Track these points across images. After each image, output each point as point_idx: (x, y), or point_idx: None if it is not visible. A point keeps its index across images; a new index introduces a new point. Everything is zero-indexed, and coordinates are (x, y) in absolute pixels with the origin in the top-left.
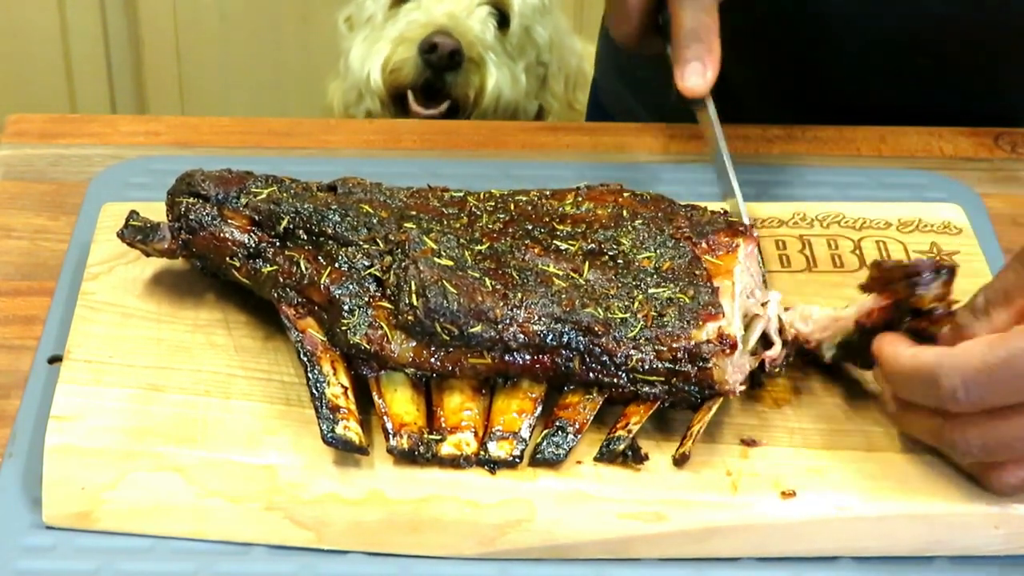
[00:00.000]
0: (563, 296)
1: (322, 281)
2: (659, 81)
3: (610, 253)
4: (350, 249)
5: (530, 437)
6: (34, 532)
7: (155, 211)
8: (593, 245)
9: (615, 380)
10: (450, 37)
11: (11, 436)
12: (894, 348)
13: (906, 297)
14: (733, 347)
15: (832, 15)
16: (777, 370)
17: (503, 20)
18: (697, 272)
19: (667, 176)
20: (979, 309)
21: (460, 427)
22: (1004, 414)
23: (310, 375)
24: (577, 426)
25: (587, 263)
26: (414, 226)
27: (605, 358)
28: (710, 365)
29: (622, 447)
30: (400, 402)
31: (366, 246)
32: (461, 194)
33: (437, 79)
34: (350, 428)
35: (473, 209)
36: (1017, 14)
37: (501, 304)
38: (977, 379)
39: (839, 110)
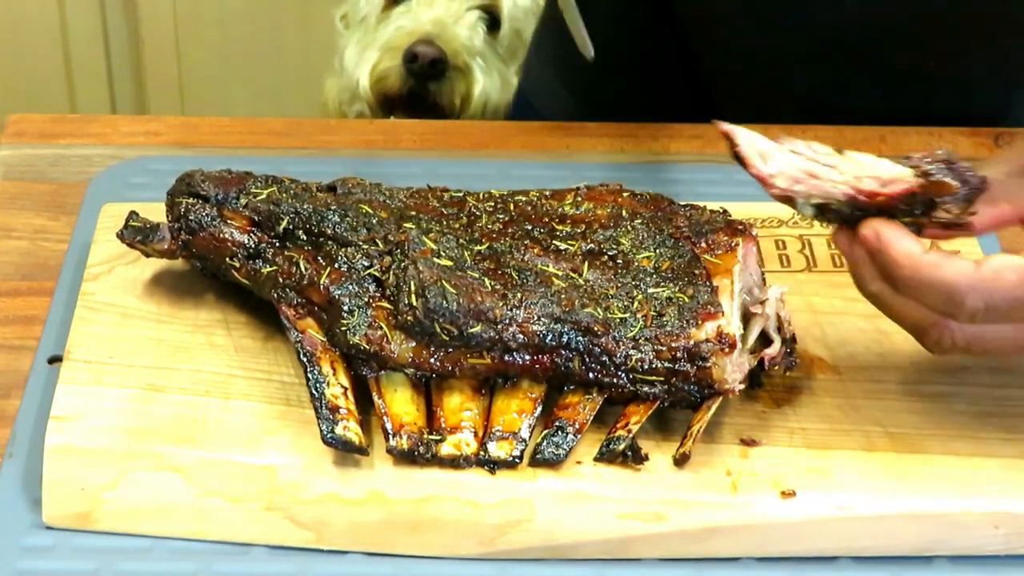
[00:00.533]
0: (563, 296)
1: (322, 281)
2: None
3: (609, 253)
4: (350, 249)
5: (530, 437)
6: (34, 532)
7: (155, 211)
8: (592, 245)
9: (615, 380)
10: (432, 46)
11: (11, 436)
12: (910, 250)
13: (936, 195)
14: (732, 346)
15: (784, 14)
16: (777, 368)
17: (494, 22)
18: (696, 271)
19: (667, 176)
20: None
21: (460, 427)
22: (999, 322)
23: (310, 375)
24: (577, 426)
25: (586, 263)
26: (414, 226)
27: (605, 358)
28: (709, 364)
29: (622, 447)
30: (400, 402)
31: (366, 246)
32: (461, 194)
33: (421, 87)
34: (350, 428)
35: (473, 209)
36: (976, 4)
37: (500, 304)
38: (1001, 305)
39: (801, 111)
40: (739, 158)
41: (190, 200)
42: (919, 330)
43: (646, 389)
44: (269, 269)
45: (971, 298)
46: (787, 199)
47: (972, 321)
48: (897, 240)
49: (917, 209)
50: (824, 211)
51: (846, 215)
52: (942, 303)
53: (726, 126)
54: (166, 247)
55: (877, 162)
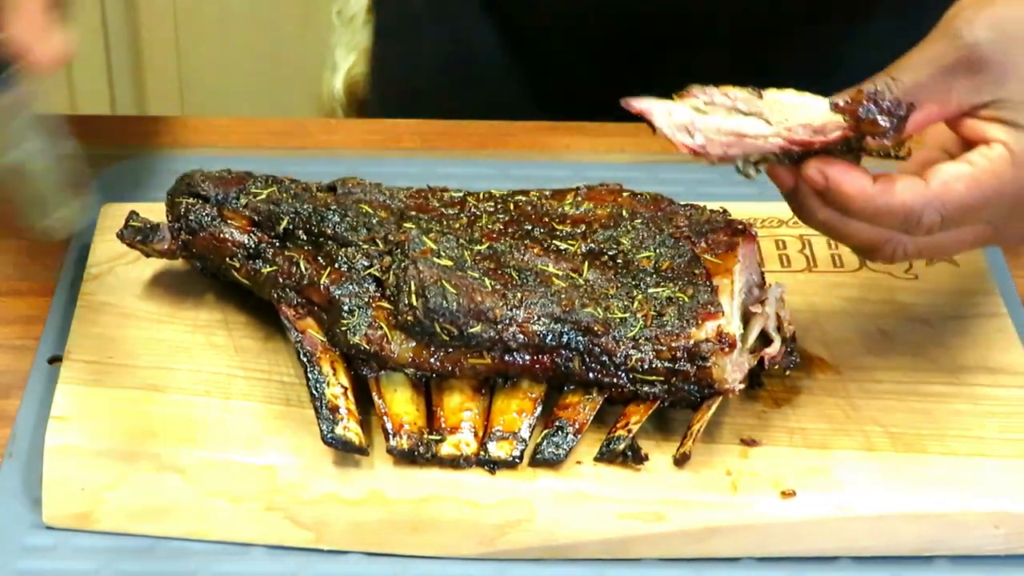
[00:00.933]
0: (563, 296)
1: (322, 281)
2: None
3: (609, 253)
4: (350, 249)
5: (530, 437)
6: (34, 532)
7: (155, 211)
8: (593, 245)
9: (615, 380)
10: None
11: (11, 436)
12: (860, 184)
13: (867, 129)
14: (732, 346)
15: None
16: (777, 367)
17: None
18: (696, 271)
19: (667, 176)
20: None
21: (460, 427)
22: (951, 229)
23: (310, 375)
24: (577, 426)
25: (587, 263)
26: (414, 226)
27: (605, 358)
28: (709, 364)
29: (622, 447)
30: (400, 402)
31: (366, 246)
32: (461, 194)
33: None
34: (350, 428)
35: (473, 209)
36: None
37: (501, 304)
38: (955, 215)
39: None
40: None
41: (190, 200)
42: (871, 248)
43: (646, 389)
44: (269, 269)
45: (927, 214)
46: (728, 163)
47: (928, 234)
48: (844, 176)
49: (853, 146)
50: (764, 162)
51: (785, 163)
52: (899, 224)
53: (640, 105)
54: (166, 247)
55: (801, 101)
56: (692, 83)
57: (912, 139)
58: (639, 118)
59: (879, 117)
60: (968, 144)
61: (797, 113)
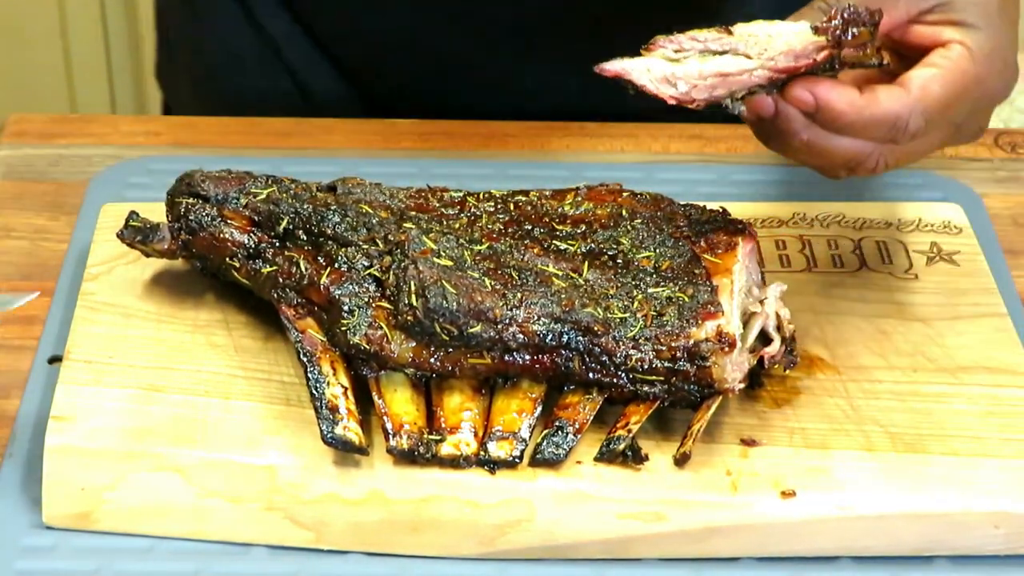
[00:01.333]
0: (563, 296)
1: (322, 281)
2: None
3: (609, 253)
4: (350, 249)
5: (530, 437)
6: (34, 532)
7: (155, 211)
8: (592, 245)
9: (615, 380)
10: None
11: (11, 436)
12: (850, 98)
13: (850, 43)
14: (732, 345)
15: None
16: (777, 366)
17: None
18: (696, 271)
19: (667, 176)
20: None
21: (460, 427)
22: (929, 133)
23: (310, 375)
24: (577, 426)
25: (586, 263)
26: (414, 226)
27: (605, 358)
28: (709, 364)
29: (622, 447)
30: (400, 402)
31: (366, 246)
32: (461, 194)
33: None
34: (350, 428)
35: (473, 209)
36: None
37: (501, 304)
38: (935, 117)
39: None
40: (646, 93)
41: (190, 200)
42: (855, 163)
43: (646, 389)
44: (269, 269)
45: (913, 120)
46: (716, 105)
47: (913, 139)
48: (832, 93)
49: (834, 63)
50: (750, 95)
51: (771, 92)
52: (886, 133)
53: (615, 67)
54: (166, 247)
55: (774, 30)
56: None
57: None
58: (639, 118)
59: (859, 29)
60: (914, 51)
61: (774, 43)
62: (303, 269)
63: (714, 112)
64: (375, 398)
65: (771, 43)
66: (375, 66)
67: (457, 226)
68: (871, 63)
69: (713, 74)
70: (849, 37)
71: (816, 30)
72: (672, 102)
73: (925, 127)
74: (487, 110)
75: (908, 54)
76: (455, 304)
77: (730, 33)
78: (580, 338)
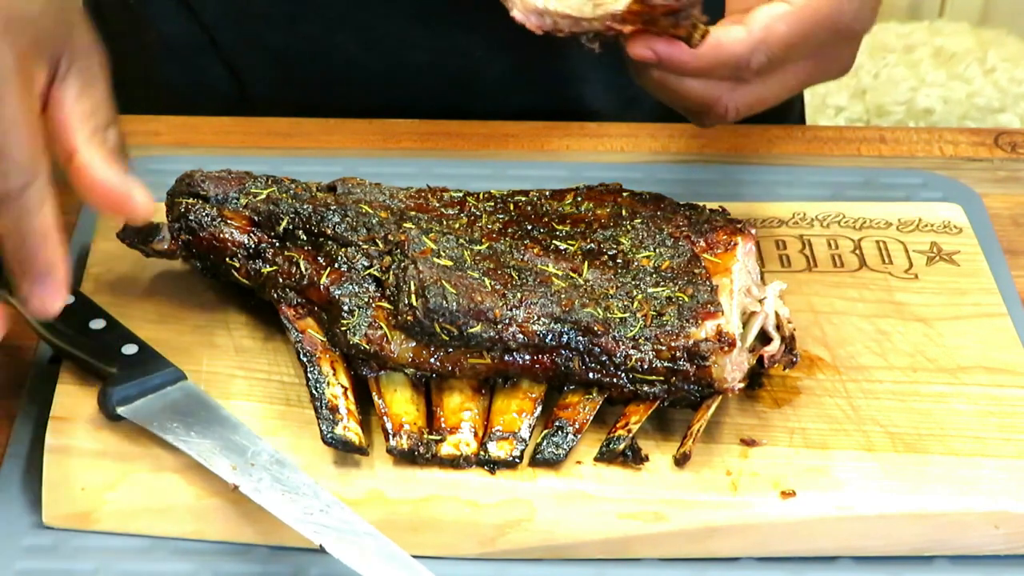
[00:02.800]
0: (562, 296)
1: (322, 281)
2: None
3: (609, 253)
4: (350, 249)
5: (530, 437)
6: (34, 532)
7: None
8: (592, 245)
9: (615, 380)
10: None
11: (11, 436)
12: (683, 48)
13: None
14: (732, 345)
15: None
16: (777, 364)
17: None
18: (696, 271)
19: (667, 176)
20: None
21: (460, 427)
22: (777, 71)
23: (310, 375)
24: (577, 426)
25: (586, 263)
26: (414, 226)
27: (604, 358)
28: (709, 363)
29: (622, 447)
30: (400, 402)
31: (366, 246)
32: (461, 194)
33: None
34: (350, 428)
35: (473, 209)
36: None
37: (500, 304)
38: (779, 54)
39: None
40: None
41: (190, 200)
42: (706, 106)
43: (646, 389)
44: (269, 269)
45: (755, 58)
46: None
47: (758, 77)
48: (672, 47)
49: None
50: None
51: (611, 41)
52: (731, 72)
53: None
54: (166, 247)
55: None
56: None
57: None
58: (638, 118)
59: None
60: None
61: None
62: (303, 269)
63: None
64: (375, 398)
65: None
66: (314, 56)
67: (457, 226)
68: (684, 38)
69: (564, 15)
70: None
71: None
72: (538, 32)
73: (769, 64)
74: (438, 105)
75: None
76: (455, 304)
77: None
78: (580, 338)
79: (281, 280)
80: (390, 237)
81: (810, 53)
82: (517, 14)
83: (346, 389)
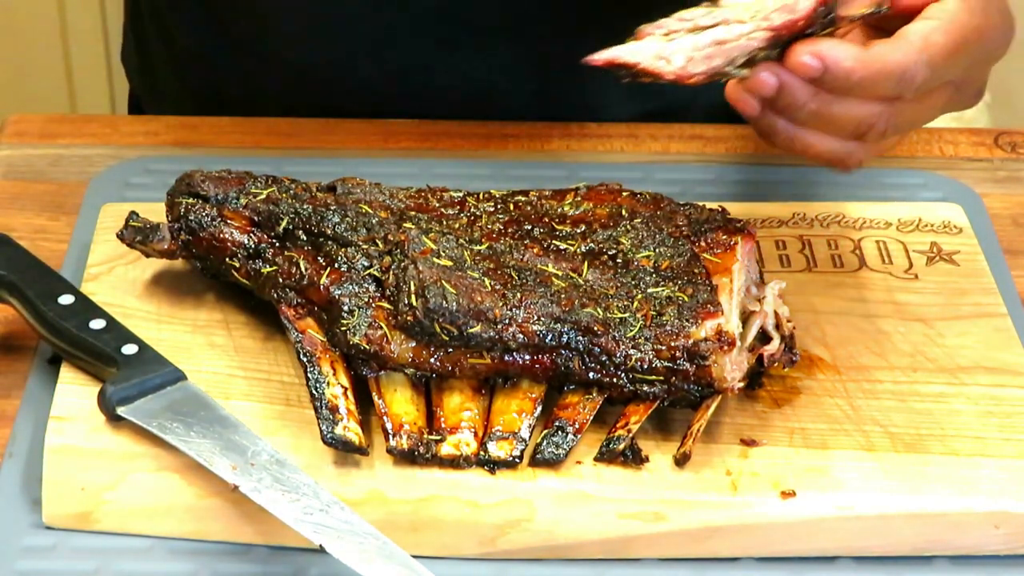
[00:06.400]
0: (562, 296)
1: (322, 282)
2: None
3: (609, 253)
4: (349, 249)
5: (530, 437)
6: (34, 532)
7: (155, 211)
8: (592, 245)
9: (614, 380)
10: None
11: (11, 436)
12: (856, 54)
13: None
14: (731, 344)
15: None
16: (777, 364)
17: None
18: (696, 270)
19: (667, 176)
20: None
21: (460, 427)
22: (933, 87)
23: (310, 375)
24: (577, 426)
25: (586, 263)
26: (413, 226)
27: (604, 358)
28: (709, 363)
29: (622, 447)
30: (400, 402)
31: (365, 246)
32: (461, 194)
33: None
34: (350, 428)
35: (472, 209)
36: None
37: (500, 304)
38: (939, 67)
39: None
40: (645, 74)
41: (190, 200)
42: (865, 127)
43: (646, 388)
44: (269, 269)
45: (920, 70)
46: (717, 77)
47: (918, 93)
48: (837, 51)
49: (832, 14)
50: (752, 64)
51: (774, 56)
52: (894, 87)
53: (605, 55)
54: (166, 247)
55: None
56: None
57: None
58: (637, 118)
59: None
60: (907, 11)
61: (764, 3)
62: (303, 269)
63: (714, 112)
64: (375, 398)
65: (762, 3)
66: (334, 76)
67: (457, 226)
68: (873, 12)
69: (708, 44)
70: None
71: None
72: (671, 78)
73: (931, 78)
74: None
75: (900, 14)
76: (455, 304)
77: (717, 4)
78: (580, 338)
79: (281, 280)
80: (390, 237)
81: (963, 68)
82: (641, 62)
83: (346, 389)
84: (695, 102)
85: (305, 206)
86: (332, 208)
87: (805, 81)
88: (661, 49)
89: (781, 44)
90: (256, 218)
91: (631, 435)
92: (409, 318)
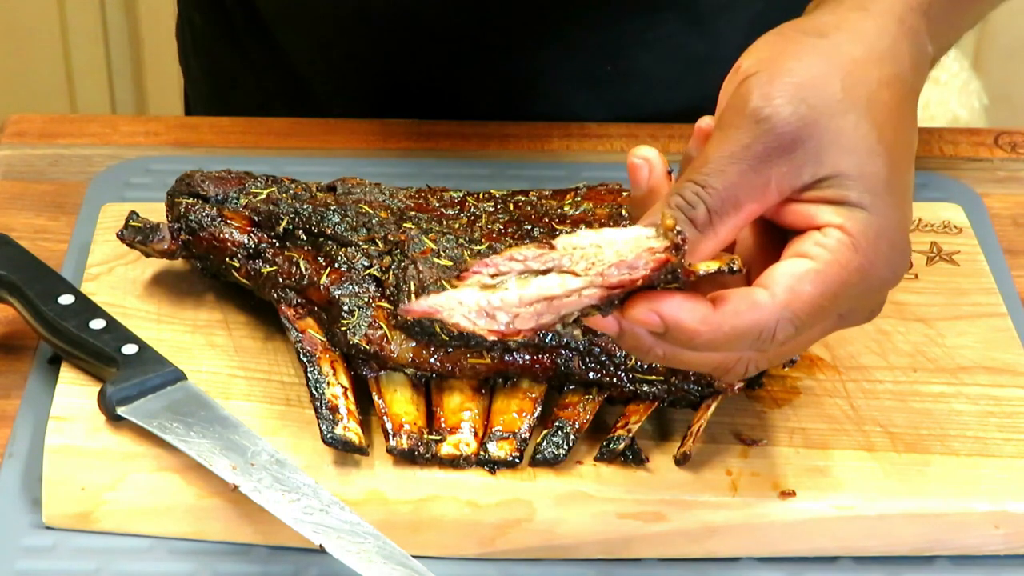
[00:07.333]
0: None
1: (322, 281)
2: None
3: None
4: (349, 249)
5: (530, 437)
6: (34, 532)
7: (155, 211)
8: None
9: (614, 380)
10: None
11: (11, 436)
12: (702, 315)
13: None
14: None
15: None
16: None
17: None
18: None
19: None
20: (702, 223)
21: (460, 427)
22: (804, 333)
23: (310, 375)
24: (577, 426)
25: None
26: (413, 226)
27: (604, 358)
28: None
29: (622, 447)
30: (400, 402)
31: (365, 246)
32: (461, 194)
33: None
34: (350, 428)
35: (473, 209)
36: None
37: None
38: (807, 320)
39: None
40: (462, 335)
41: (190, 200)
42: (720, 372)
43: (646, 388)
44: (269, 269)
45: (781, 328)
46: (546, 330)
47: (783, 345)
48: (681, 311)
49: (677, 270)
50: (585, 316)
51: (608, 312)
52: (751, 344)
53: (422, 306)
54: (166, 247)
55: (600, 238)
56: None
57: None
58: (635, 117)
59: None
60: (791, 232)
61: (601, 253)
62: (303, 269)
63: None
64: (375, 398)
65: (599, 255)
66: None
67: (457, 226)
68: (722, 269)
69: (535, 299)
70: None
71: (655, 233)
72: (493, 337)
73: (796, 333)
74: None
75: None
76: None
77: (552, 247)
78: (580, 338)
79: (281, 280)
80: (390, 237)
81: (843, 309)
82: (461, 322)
83: (346, 389)
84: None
85: (305, 206)
86: (332, 208)
87: (647, 334)
88: (483, 302)
89: (617, 301)
90: (256, 218)
91: (631, 435)
92: (409, 318)
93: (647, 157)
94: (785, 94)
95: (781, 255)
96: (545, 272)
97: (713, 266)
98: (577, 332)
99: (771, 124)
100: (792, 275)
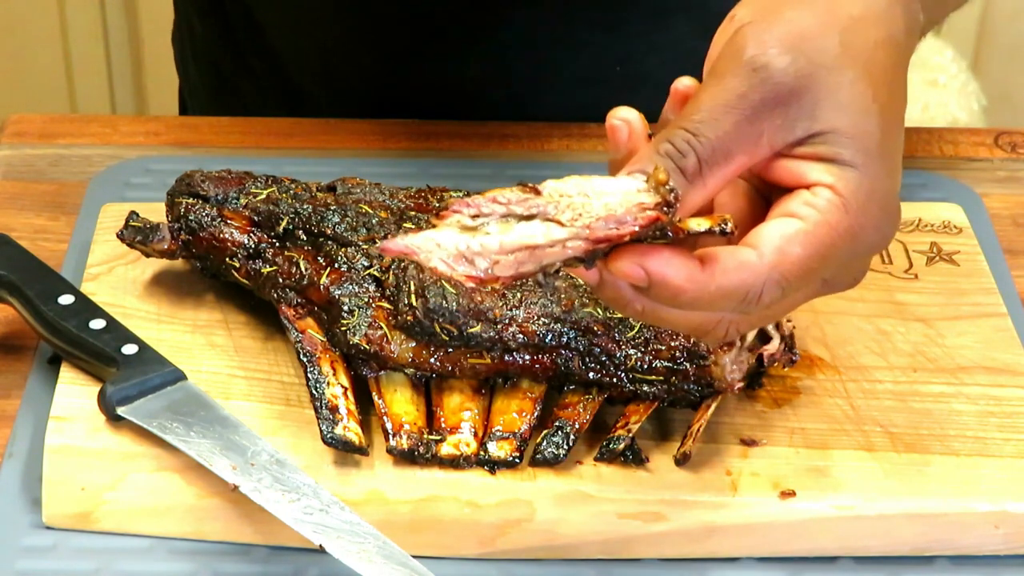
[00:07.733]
0: (562, 296)
1: (322, 281)
2: None
3: None
4: (349, 249)
5: (530, 437)
6: (34, 532)
7: (155, 211)
8: None
9: (614, 380)
10: None
11: (11, 436)
12: (689, 273)
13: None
14: (731, 344)
15: None
16: (776, 364)
17: None
18: None
19: None
20: (692, 173)
21: (460, 427)
22: (790, 296)
23: (310, 375)
24: (577, 426)
25: None
26: (413, 226)
27: (604, 358)
28: (709, 362)
29: (622, 447)
30: (400, 402)
31: (366, 246)
32: (461, 194)
33: None
34: (350, 428)
35: None
36: None
37: (500, 304)
38: (795, 282)
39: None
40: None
41: (190, 200)
42: (699, 332)
43: (646, 388)
44: (269, 269)
45: (767, 290)
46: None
47: (768, 308)
48: (668, 267)
49: (667, 228)
50: (567, 267)
51: (591, 265)
52: (735, 306)
53: (398, 245)
54: (166, 247)
55: (590, 186)
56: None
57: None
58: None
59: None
60: (780, 189)
61: (589, 204)
62: (303, 269)
63: None
64: (375, 398)
65: (587, 206)
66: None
67: None
68: (713, 229)
69: (517, 247)
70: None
71: (646, 186)
72: (471, 284)
73: (782, 295)
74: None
75: (775, 188)
76: (455, 304)
77: (538, 193)
78: (580, 338)
79: (281, 280)
80: (390, 237)
81: (830, 272)
82: (438, 266)
83: (346, 389)
84: None
85: (305, 206)
86: (332, 208)
87: (627, 286)
88: (463, 246)
89: (602, 254)
90: (256, 218)
91: (631, 435)
92: (409, 318)
93: (627, 118)
94: (782, 44)
95: (767, 214)
96: (528, 218)
97: (704, 224)
98: (554, 282)
99: (768, 73)
100: (781, 236)
